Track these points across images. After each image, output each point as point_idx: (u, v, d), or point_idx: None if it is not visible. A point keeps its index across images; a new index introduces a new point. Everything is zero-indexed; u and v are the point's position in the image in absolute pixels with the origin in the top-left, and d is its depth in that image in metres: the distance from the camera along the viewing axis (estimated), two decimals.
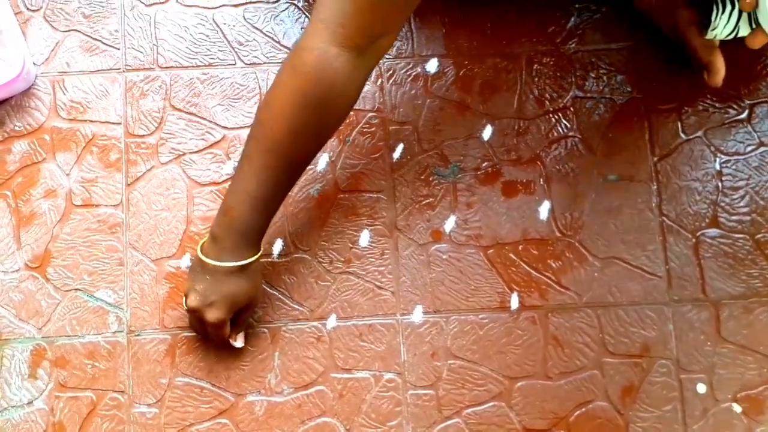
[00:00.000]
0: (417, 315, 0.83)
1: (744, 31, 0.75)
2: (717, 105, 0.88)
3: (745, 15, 0.74)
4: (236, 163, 0.79)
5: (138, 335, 0.82)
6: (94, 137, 0.86)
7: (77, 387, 0.81)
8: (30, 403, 0.81)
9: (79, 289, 0.83)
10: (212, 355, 0.82)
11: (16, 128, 0.86)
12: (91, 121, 0.86)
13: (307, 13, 0.89)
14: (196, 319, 0.77)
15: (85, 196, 0.85)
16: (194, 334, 0.81)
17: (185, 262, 0.84)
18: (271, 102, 0.67)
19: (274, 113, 0.66)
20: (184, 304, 0.77)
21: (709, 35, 0.76)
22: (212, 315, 0.74)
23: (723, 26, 0.75)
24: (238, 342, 0.79)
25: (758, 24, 0.73)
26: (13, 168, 0.85)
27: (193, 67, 0.88)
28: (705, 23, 0.77)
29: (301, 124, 0.66)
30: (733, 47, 0.82)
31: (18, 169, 0.85)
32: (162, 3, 0.89)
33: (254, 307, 0.79)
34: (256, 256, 0.74)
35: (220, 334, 0.77)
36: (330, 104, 0.66)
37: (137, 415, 0.81)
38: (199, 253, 0.74)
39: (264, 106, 0.68)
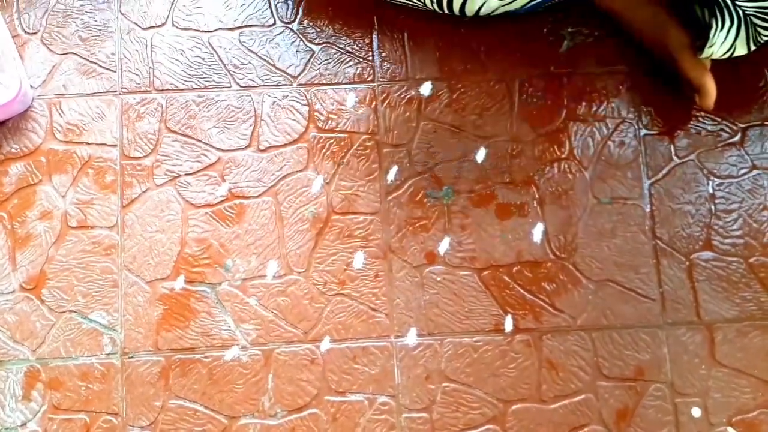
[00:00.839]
0: (411, 337, 0.83)
1: (741, 49, 0.76)
2: (709, 128, 0.88)
3: (743, 33, 0.74)
4: (231, 185, 0.80)
5: (132, 357, 0.82)
6: (90, 159, 0.87)
7: (71, 409, 0.81)
8: (24, 425, 0.81)
9: (74, 311, 0.83)
10: (206, 377, 0.82)
11: (13, 150, 0.86)
12: (87, 143, 0.87)
13: (302, 37, 0.90)
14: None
15: (81, 217, 0.85)
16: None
17: (179, 283, 0.84)
18: None
19: None
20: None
21: (706, 53, 0.76)
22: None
23: (720, 44, 0.75)
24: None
25: (758, 43, 0.74)
26: (9, 190, 0.85)
27: (188, 89, 0.89)
28: (699, 44, 0.77)
29: None
30: (725, 70, 0.82)
31: (14, 191, 0.85)
32: (158, 26, 0.90)
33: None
34: None
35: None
36: None
37: None
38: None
39: None
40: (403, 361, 0.83)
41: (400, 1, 0.86)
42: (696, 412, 0.82)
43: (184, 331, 0.83)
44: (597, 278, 0.85)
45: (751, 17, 0.73)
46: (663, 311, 0.84)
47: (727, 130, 0.88)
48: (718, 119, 0.88)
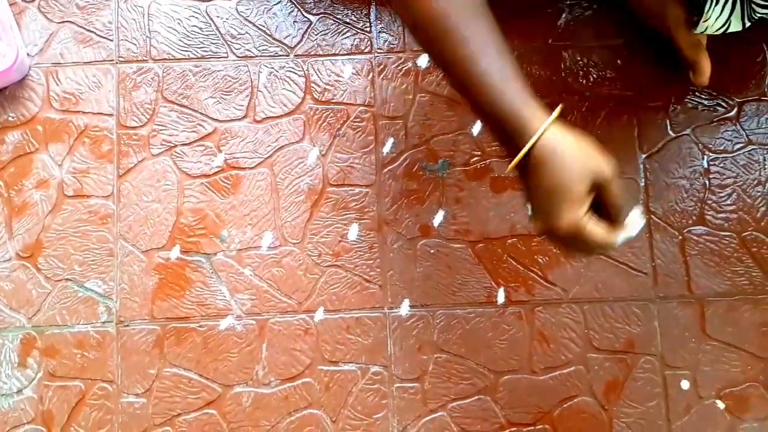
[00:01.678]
0: (404, 309, 0.84)
1: (735, 25, 0.75)
2: (705, 103, 0.88)
3: (738, 9, 0.74)
4: (227, 156, 0.80)
5: (127, 326, 0.83)
6: (86, 128, 0.87)
7: (66, 376, 0.82)
8: (19, 391, 0.82)
9: (70, 279, 0.84)
10: (200, 346, 0.83)
11: (10, 118, 0.87)
12: (84, 112, 0.87)
13: (299, 7, 0.89)
14: (555, 241, 0.61)
15: (77, 186, 0.85)
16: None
17: (175, 253, 0.84)
18: (411, 25, 0.61)
19: (415, 14, 0.59)
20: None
21: (700, 28, 0.76)
22: (558, 224, 0.57)
23: (715, 19, 0.75)
24: (636, 222, 0.60)
25: (752, 19, 0.74)
26: (6, 158, 0.86)
27: (185, 59, 0.88)
28: (694, 20, 0.77)
29: None
30: (722, 45, 0.82)
31: (11, 159, 0.86)
32: None
33: (608, 179, 0.58)
34: (543, 127, 0.57)
35: (594, 240, 0.58)
36: None
37: (125, 405, 0.81)
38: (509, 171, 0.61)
39: (412, 31, 0.62)
40: (396, 332, 0.83)
41: None
42: (685, 384, 0.83)
43: (180, 301, 0.83)
44: None
45: None
46: (655, 285, 0.85)
47: (723, 105, 0.88)
48: (714, 94, 0.88)
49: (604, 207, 0.59)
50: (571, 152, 0.58)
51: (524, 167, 0.59)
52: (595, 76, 0.88)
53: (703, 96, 0.88)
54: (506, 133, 0.59)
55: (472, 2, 0.59)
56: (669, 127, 0.88)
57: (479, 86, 0.58)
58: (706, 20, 0.75)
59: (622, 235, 0.59)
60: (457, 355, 0.83)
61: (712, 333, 0.84)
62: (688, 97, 0.88)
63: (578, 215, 0.57)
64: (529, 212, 0.62)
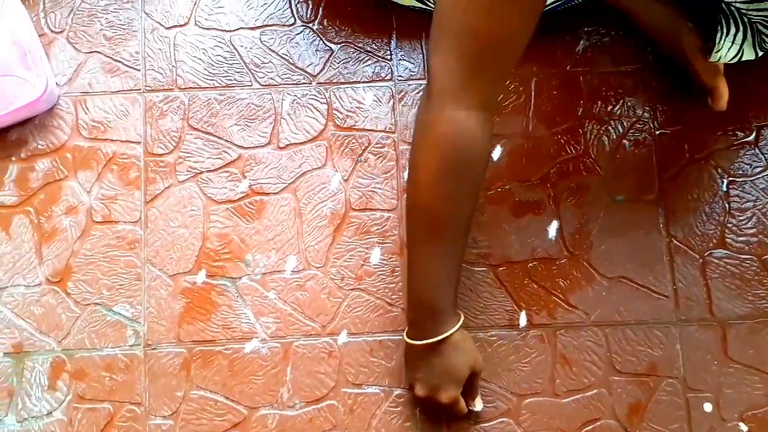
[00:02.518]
0: None
1: (748, 54, 0.76)
2: (724, 127, 0.89)
3: (749, 38, 0.75)
4: (251, 182, 0.82)
5: (154, 349, 0.84)
6: (114, 156, 0.89)
7: (95, 399, 0.83)
8: (49, 414, 0.83)
9: (98, 304, 0.85)
10: (226, 369, 0.84)
11: (39, 146, 0.89)
12: (112, 140, 0.89)
13: (321, 36, 0.91)
14: (428, 404, 0.79)
15: (105, 212, 0.87)
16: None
17: (201, 277, 0.86)
18: (419, 182, 0.69)
19: (425, 191, 0.68)
20: (414, 390, 0.79)
21: (713, 58, 0.77)
22: (444, 396, 0.76)
23: (727, 49, 0.76)
24: (477, 406, 0.81)
25: (763, 48, 0.75)
26: (36, 185, 0.88)
27: (210, 88, 0.91)
28: (709, 47, 0.78)
29: (454, 190, 0.68)
30: (741, 69, 0.83)
31: (40, 186, 0.88)
32: (181, 26, 0.92)
33: (480, 371, 0.79)
34: (458, 325, 0.75)
35: (458, 409, 0.78)
36: (474, 164, 0.68)
37: (153, 427, 0.83)
38: (405, 338, 0.77)
39: (413, 189, 0.71)
40: None
41: (418, 7, 0.88)
42: (708, 407, 0.83)
43: (206, 324, 0.85)
44: (611, 275, 0.86)
45: (757, 24, 0.73)
46: (676, 308, 0.85)
47: (742, 129, 0.89)
48: (733, 118, 0.89)
49: (465, 387, 0.78)
50: (465, 346, 0.76)
51: (429, 349, 0.74)
52: (613, 101, 0.90)
53: (721, 120, 0.89)
54: (433, 320, 0.74)
55: (468, 217, 0.71)
56: (688, 151, 0.88)
57: (437, 277, 0.72)
58: (719, 51, 0.76)
59: (473, 407, 0.80)
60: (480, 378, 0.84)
61: (734, 356, 0.84)
62: (707, 121, 0.89)
63: (458, 392, 0.77)
64: (412, 381, 0.78)
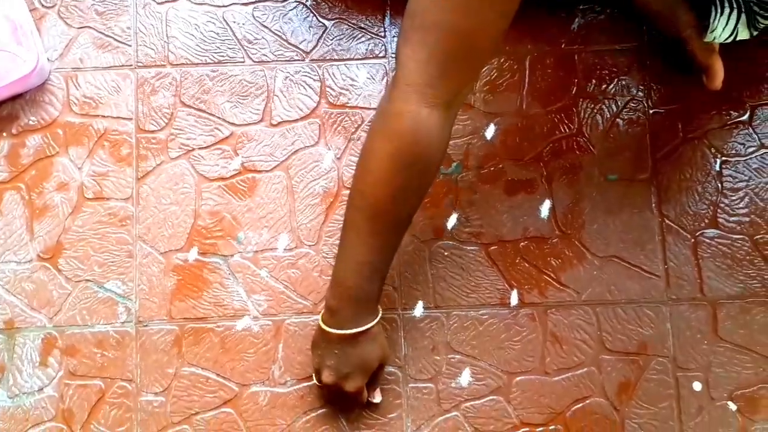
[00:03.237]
0: (418, 310, 0.85)
1: (743, 34, 0.76)
2: (718, 107, 0.88)
3: (744, 18, 0.74)
4: (244, 159, 0.82)
5: (146, 326, 0.84)
6: (105, 132, 0.88)
7: (86, 375, 0.83)
8: (40, 390, 0.83)
9: (90, 280, 0.85)
10: (218, 346, 0.84)
11: (30, 122, 0.88)
12: (103, 116, 0.89)
13: (314, 12, 0.90)
14: (331, 392, 0.79)
15: (97, 189, 0.87)
16: (323, 391, 0.83)
17: (193, 254, 0.86)
18: (370, 169, 0.67)
19: (374, 180, 0.67)
20: (315, 379, 0.79)
21: (708, 38, 0.77)
22: (351, 386, 0.76)
23: (722, 29, 0.75)
24: (377, 397, 0.82)
25: (757, 28, 0.74)
26: (27, 161, 0.87)
27: (202, 64, 0.90)
28: (704, 26, 0.78)
29: (403, 186, 0.66)
30: (734, 50, 0.82)
31: (31, 163, 0.87)
32: (173, 1, 0.91)
33: (386, 365, 0.81)
34: (377, 319, 0.75)
35: (360, 400, 0.79)
36: (428, 161, 0.66)
37: (144, 404, 0.83)
38: (321, 324, 0.75)
39: (362, 175, 0.69)
40: (410, 333, 0.85)
41: None
42: (697, 386, 0.84)
43: (197, 301, 0.85)
44: (602, 254, 0.86)
45: (751, 4, 0.73)
46: (667, 287, 0.86)
47: (736, 109, 0.88)
48: (727, 98, 0.88)
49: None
50: (379, 339, 0.77)
51: (346, 339, 0.74)
52: (607, 80, 0.89)
53: (715, 100, 0.88)
54: (356, 312, 0.73)
55: (410, 215, 0.71)
56: (681, 130, 0.88)
57: (367, 270, 0.71)
58: (713, 30, 0.75)
59: (373, 399, 0.82)
60: (470, 356, 0.84)
61: (724, 335, 0.85)
62: (701, 100, 0.88)
63: (365, 383, 0.78)
64: (320, 367, 0.76)
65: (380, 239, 0.70)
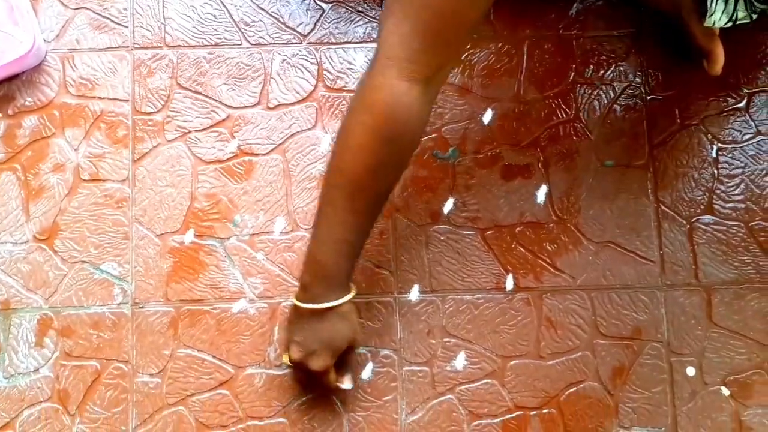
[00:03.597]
0: (414, 294, 0.85)
1: (743, 18, 0.76)
2: (715, 93, 0.89)
3: (741, 2, 0.74)
4: (240, 142, 0.82)
5: (142, 307, 0.85)
6: (102, 114, 0.88)
7: (82, 356, 0.84)
8: (36, 370, 0.83)
9: (86, 262, 0.85)
10: (214, 328, 0.84)
11: (27, 103, 0.88)
12: (100, 97, 0.88)
13: None
14: (299, 370, 0.78)
15: (93, 171, 0.87)
16: (295, 371, 0.82)
17: (189, 237, 0.86)
18: (347, 145, 0.67)
19: (352, 156, 0.66)
20: (283, 359, 0.79)
21: (708, 22, 0.76)
22: (316, 363, 0.74)
23: (720, 12, 0.75)
24: (346, 383, 0.80)
25: (755, 11, 0.74)
26: (23, 142, 0.87)
27: (199, 46, 0.90)
28: (702, 11, 0.78)
29: (381, 162, 0.66)
30: (732, 36, 0.82)
31: (27, 144, 0.87)
32: None
33: (356, 347, 0.79)
34: (350, 296, 0.74)
35: (327, 380, 0.78)
36: (406, 137, 0.66)
37: (140, 385, 0.83)
38: (294, 300, 0.75)
39: (340, 152, 0.68)
40: (406, 317, 0.85)
41: None
42: (690, 371, 0.84)
43: (194, 284, 0.85)
44: (598, 240, 0.86)
45: None
46: (662, 273, 0.86)
47: (733, 95, 0.89)
48: (725, 85, 0.88)
49: (340, 361, 0.78)
50: (350, 318, 0.75)
51: (315, 314, 0.73)
52: (605, 65, 0.89)
53: (713, 86, 0.88)
54: (326, 287, 0.73)
55: (387, 192, 0.71)
56: (678, 116, 0.88)
57: (341, 246, 0.71)
58: (712, 14, 0.75)
59: (342, 384, 0.80)
60: (465, 339, 0.84)
61: (718, 321, 0.85)
62: (698, 87, 0.89)
63: (331, 363, 0.76)
64: (288, 343, 0.77)
65: (358, 217, 0.70)
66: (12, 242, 0.85)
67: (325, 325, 0.74)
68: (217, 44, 0.90)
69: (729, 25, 0.76)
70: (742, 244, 0.86)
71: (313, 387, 0.82)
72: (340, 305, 0.73)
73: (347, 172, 0.67)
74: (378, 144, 0.65)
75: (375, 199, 0.70)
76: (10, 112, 0.88)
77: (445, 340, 0.84)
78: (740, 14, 0.75)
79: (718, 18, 0.75)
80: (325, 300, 0.73)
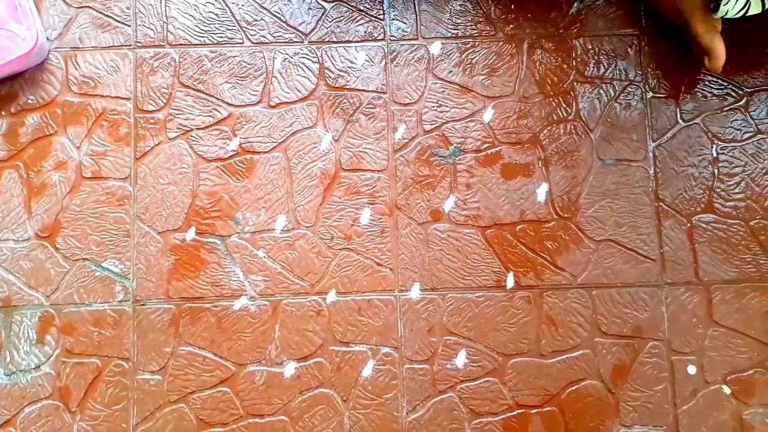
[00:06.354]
0: (415, 292, 0.85)
1: (755, 8, 0.76)
2: (715, 92, 0.89)
3: None
4: (242, 140, 0.82)
5: (143, 305, 0.85)
6: (104, 112, 0.88)
7: (83, 353, 0.84)
8: (37, 367, 0.83)
9: (87, 259, 0.85)
10: (215, 326, 0.84)
11: (29, 101, 0.88)
12: (102, 96, 0.89)
13: None
14: None
15: (95, 168, 0.87)
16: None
17: (190, 234, 0.86)
18: None
19: None
20: None
21: (721, 12, 0.76)
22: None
23: (734, 2, 0.75)
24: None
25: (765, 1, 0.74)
26: (26, 140, 0.87)
27: (201, 45, 0.90)
28: (713, 5, 0.77)
29: None
30: (733, 34, 0.83)
31: (30, 142, 0.87)
32: None
33: None
34: None
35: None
36: None
37: (141, 382, 0.83)
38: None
39: None
40: (407, 315, 0.85)
41: None
42: (692, 369, 0.84)
43: (195, 281, 0.85)
44: (599, 238, 0.86)
45: None
46: (663, 271, 0.86)
47: (733, 94, 0.89)
48: (725, 83, 0.89)
49: None
50: None
51: None
52: (605, 64, 0.89)
53: (713, 85, 0.89)
54: None
55: None
56: (679, 115, 0.88)
57: None
58: (726, 3, 0.75)
59: None
60: (466, 337, 0.84)
61: (719, 319, 0.85)
62: (698, 86, 0.89)
63: None
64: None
65: None
66: (14, 239, 0.85)
67: None
68: (219, 43, 0.90)
69: (740, 15, 0.76)
70: (743, 242, 0.86)
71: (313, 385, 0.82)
72: None
73: None
74: None
75: None
76: (12, 110, 0.88)
77: (445, 338, 0.84)
78: (753, 4, 0.75)
79: (731, 7, 0.75)
80: None
